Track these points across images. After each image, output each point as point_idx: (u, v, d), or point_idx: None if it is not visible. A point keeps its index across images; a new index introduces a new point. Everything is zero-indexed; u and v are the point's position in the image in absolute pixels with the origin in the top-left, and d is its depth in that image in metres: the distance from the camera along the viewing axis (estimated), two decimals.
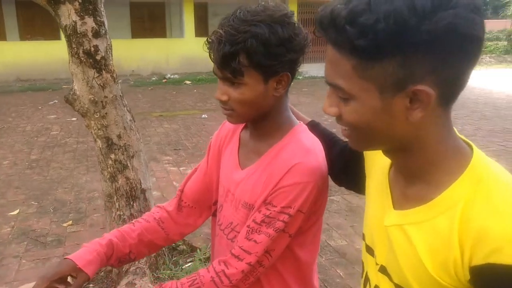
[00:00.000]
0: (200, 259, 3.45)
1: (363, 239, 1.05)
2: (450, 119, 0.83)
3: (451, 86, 0.77)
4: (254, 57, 1.12)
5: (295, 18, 1.21)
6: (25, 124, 8.66)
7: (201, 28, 17.04)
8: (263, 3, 1.19)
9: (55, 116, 9.54)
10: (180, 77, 15.47)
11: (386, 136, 0.82)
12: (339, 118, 0.84)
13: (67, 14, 3.05)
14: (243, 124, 1.40)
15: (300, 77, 15.65)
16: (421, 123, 0.79)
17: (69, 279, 1.23)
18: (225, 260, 1.21)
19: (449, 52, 0.73)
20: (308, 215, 1.21)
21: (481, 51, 0.76)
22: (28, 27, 15.79)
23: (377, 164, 1.02)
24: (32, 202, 4.80)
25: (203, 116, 9.32)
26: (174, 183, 5.34)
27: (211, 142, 1.50)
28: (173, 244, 3.67)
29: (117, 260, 1.35)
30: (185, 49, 16.30)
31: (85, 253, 1.26)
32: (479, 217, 0.74)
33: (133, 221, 1.44)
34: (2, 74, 14.32)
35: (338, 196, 4.88)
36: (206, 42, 1.20)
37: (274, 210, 1.18)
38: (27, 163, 6.23)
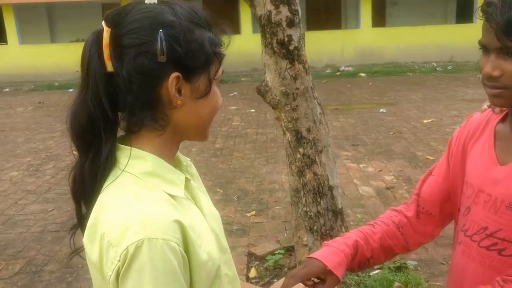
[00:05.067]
0: (389, 268, 3.15)
1: None
2: None
3: None
4: None
5: None
6: None
7: (378, 18, 16.38)
8: None
9: (235, 107, 10.00)
10: (354, 70, 15.09)
11: None
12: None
13: (263, 4, 2.99)
14: (499, 117, 1.16)
15: None
16: None
17: None
18: None
19: None
20: None
21: None
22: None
23: None
24: (218, 189, 5.00)
25: (381, 110, 8.85)
26: (355, 180, 5.08)
27: (452, 140, 1.28)
28: None
29: (358, 263, 1.24)
30: (361, 40, 15.83)
31: (332, 254, 1.17)
32: None
33: (371, 223, 1.31)
34: None
35: None
36: (482, 8, 0.98)
37: None
38: (212, 151, 6.58)
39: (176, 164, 0.98)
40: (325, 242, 1.24)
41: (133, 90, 0.84)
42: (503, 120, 1.14)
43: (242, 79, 14.04)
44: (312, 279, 1.13)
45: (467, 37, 14.02)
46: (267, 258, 3.43)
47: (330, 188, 3.21)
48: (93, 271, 0.86)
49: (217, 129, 7.91)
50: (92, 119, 0.86)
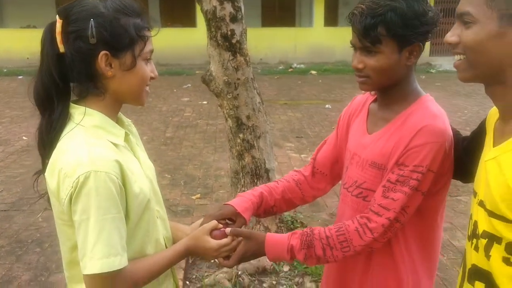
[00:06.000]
0: None
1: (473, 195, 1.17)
2: None
3: None
4: (392, 27, 1.25)
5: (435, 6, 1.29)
6: (162, 105, 9.41)
7: (330, 18, 16.92)
8: None
9: (188, 99, 10.21)
10: (306, 67, 15.56)
11: (491, 61, 1.02)
12: (457, 45, 1.06)
13: (209, 0, 3.27)
14: (373, 98, 1.51)
15: (433, 71, 14.87)
16: None
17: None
18: (366, 215, 1.33)
19: None
20: (437, 176, 1.30)
21: None
22: (168, 15, 16.98)
23: (490, 131, 1.17)
24: (166, 175, 5.24)
25: (327, 106, 9.32)
26: (295, 168, 5.43)
27: (341, 116, 1.64)
28: (291, 226, 3.78)
29: (263, 210, 1.56)
30: (313, 38, 16.33)
31: (242, 201, 1.48)
32: None
33: (276, 180, 1.65)
34: None
35: (465, 196, 4.61)
36: (349, 16, 1.33)
37: (407, 169, 1.28)
38: (162, 140, 6.80)
39: (119, 123, 1.27)
40: (239, 193, 1.55)
41: (76, 66, 1.14)
42: (375, 100, 1.49)
43: (197, 72, 14.19)
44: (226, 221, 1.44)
45: None
46: (190, 256, 3.71)
47: (267, 171, 3.53)
48: (52, 198, 1.13)
49: (168, 119, 8.12)
50: (45, 88, 1.15)
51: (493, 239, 1.04)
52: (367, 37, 1.28)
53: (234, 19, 3.26)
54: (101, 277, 1.07)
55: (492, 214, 1.04)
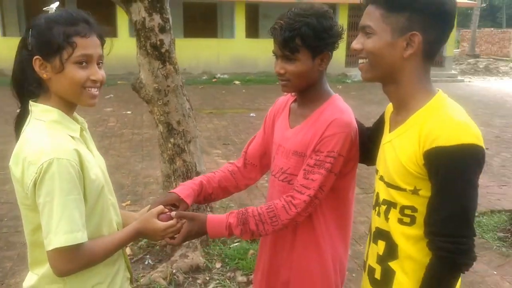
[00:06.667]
0: (247, 240, 3.72)
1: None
2: (429, 73, 1.35)
3: (431, 46, 1.30)
4: (306, 39, 1.52)
5: (346, 21, 1.58)
6: (84, 115, 9.12)
7: (251, 29, 17.40)
8: (311, 2, 1.57)
9: (111, 109, 10.10)
10: (230, 77, 15.89)
11: (386, 63, 1.31)
12: (360, 51, 1.34)
13: (138, 11, 3.40)
14: (293, 98, 1.77)
15: (349, 81, 15.74)
16: (408, 62, 1.30)
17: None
18: (291, 194, 1.58)
19: (433, 21, 1.26)
20: (346, 160, 1.57)
21: (452, 26, 1.31)
22: None
23: (387, 121, 1.49)
24: None
25: (251, 114, 9.64)
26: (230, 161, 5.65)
27: (267, 115, 1.89)
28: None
29: (203, 197, 1.76)
30: (235, 49, 16.71)
31: (184, 189, 1.68)
32: (430, 125, 1.23)
33: (213, 171, 1.86)
34: None
35: None
36: (270, 30, 1.59)
37: (322, 155, 1.55)
38: None
39: (75, 120, 1.41)
40: (181, 183, 1.74)
41: (25, 69, 1.31)
42: (295, 100, 1.75)
43: (118, 82, 14.03)
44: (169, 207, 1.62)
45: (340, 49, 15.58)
46: (140, 238, 3.80)
47: (198, 174, 3.69)
48: (17, 185, 1.26)
49: (92, 129, 7.95)
50: (14, 88, 1.36)
51: (390, 205, 1.32)
52: (286, 47, 1.54)
53: (163, 29, 3.42)
54: (65, 250, 1.21)
55: (389, 185, 1.32)
